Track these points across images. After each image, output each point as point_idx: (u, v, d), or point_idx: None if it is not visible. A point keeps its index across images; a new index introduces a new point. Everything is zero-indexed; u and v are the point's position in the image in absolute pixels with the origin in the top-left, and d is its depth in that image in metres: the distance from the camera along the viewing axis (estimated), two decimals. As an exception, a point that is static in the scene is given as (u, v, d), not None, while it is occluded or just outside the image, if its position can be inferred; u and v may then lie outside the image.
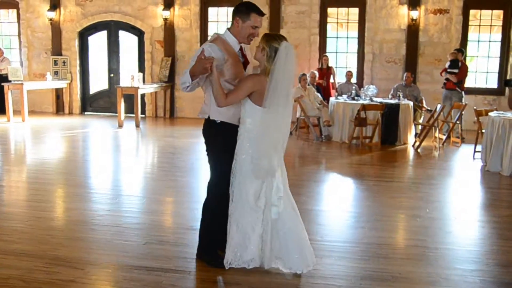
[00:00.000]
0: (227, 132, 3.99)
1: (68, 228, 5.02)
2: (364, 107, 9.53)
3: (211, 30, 13.73)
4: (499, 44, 12.55)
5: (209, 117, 3.99)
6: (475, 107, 9.47)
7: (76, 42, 14.25)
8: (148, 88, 12.71)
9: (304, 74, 11.09)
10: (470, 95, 11.85)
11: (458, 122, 10.11)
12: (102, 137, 10.92)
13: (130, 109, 12.83)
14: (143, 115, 13.77)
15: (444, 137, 10.20)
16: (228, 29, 4.04)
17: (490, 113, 8.48)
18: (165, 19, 13.57)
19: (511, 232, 5.30)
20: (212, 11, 13.68)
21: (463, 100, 10.81)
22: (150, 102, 14.07)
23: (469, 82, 12.11)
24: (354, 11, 13.08)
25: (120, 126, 11.89)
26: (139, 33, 14.00)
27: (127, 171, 7.80)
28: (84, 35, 14.34)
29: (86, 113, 14.57)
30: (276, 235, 3.90)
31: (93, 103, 14.68)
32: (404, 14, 12.59)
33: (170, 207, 5.89)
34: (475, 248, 4.80)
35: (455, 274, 4.14)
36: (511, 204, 6.33)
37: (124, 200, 6.11)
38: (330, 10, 13.23)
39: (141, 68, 14.00)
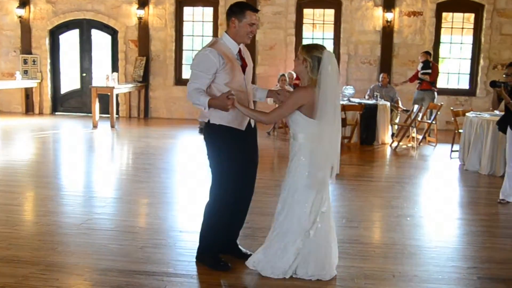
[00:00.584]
0: (227, 136, 3.95)
1: (59, 233, 4.88)
2: (344, 108, 9.60)
3: (187, 30, 13.63)
4: (470, 46, 12.85)
5: (209, 120, 3.94)
6: (452, 108, 9.67)
7: (47, 41, 13.89)
8: (123, 88, 12.52)
9: (283, 75, 11.11)
10: (442, 96, 12.07)
11: (434, 122, 10.30)
12: (78, 138, 10.69)
13: (103, 109, 12.55)
14: (117, 116, 13.52)
15: (420, 137, 10.38)
16: (226, 32, 4.00)
17: (467, 114, 8.67)
18: (140, 18, 13.38)
19: (500, 229, 5.46)
20: (187, 10, 13.56)
21: (435, 101, 11.03)
22: (124, 102, 13.85)
23: (441, 83, 12.39)
24: (330, 12, 13.17)
25: (95, 126, 11.65)
26: (113, 32, 13.76)
27: (109, 173, 7.64)
28: (55, 34, 13.99)
29: (56, 113, 14.22)
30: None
31: (64, 103, 14.34)
32: (379, 16, 12.76)
33: (159, 209, 5.79)
34: (468, 245, 4.89)
35: (453, 272, 4.21)
36: (494, 202, 6.46)
37: (111, 203, 5.98)
38: (306, 11, 13.30)
39: (115, 68, 13.76)
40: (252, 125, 4.12)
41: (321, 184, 3.81)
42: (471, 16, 12.73)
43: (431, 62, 11.33)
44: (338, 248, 4.07)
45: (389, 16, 12.60)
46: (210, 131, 3.99)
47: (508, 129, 6.24)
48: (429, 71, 11.21)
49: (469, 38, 12.86)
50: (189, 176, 7.45)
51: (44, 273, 3.90)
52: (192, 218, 5.12)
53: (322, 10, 13.26)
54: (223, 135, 3.95)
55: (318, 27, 13.50)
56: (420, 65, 11.40)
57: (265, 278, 3.90)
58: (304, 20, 13.33)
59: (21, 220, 5.17)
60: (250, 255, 4.22)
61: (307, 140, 3.78)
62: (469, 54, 12.90)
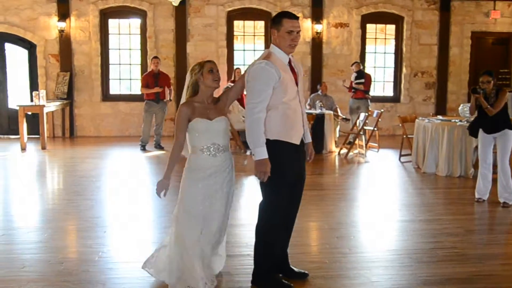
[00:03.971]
0: (283, 151, 3.80)
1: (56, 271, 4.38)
2: (297, 118, 9.68)
3: (113, 43, 13.00)
4: (393, 56, 13.62)
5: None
6: (399, 115, 10.15)
7: (-48, 57, 12.55)
8: (52, 106, 11.61)
9: (227, 88, 10.92)
10: (371, 103, 12.66)
11: (376, 128, 10.74)
12: (10, 162, 9.70)
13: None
14: (38, 136, 12.50)
15: (363, 143, 10.77)
16: (272, 43, 3.90)
17: (418, 119, 9.18)
18: (61, 31, 12.53)
19: (479, 226, 5.91)
20: (112, 22, 12.95)
21: (369, 108, 11.53)
22: (47, 121, 12.84)
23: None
24: (261, 24, 13.29)
25: (23, 149, 10.67)
26: (30, 46, 12.74)
27: (72, 198, 6.96)
28: (-38, 49, 12.68)
29: (-35, 136, 12.85)
30: None
31: (-26, 125, 13.01)
32: (308, 28, 13.09)
33: (139, 232, 5.43)
34: (462, 244, 5.15)
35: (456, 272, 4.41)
36: (465, 201, 6.88)
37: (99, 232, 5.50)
38: (237, 23, 13.29)
39: (34, 84, 12.74)
40: (305, 140, 4.02)
41: None
42: (393, 27, 13.50)
43: (364, 72, 11.86)
44: (361, 257, 4.08)
45: (318, 27, 12.97)
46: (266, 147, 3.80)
47: (480, 132, 6.67)
48: (363, 80, 11.72)
49: (391, 48, 13.62)
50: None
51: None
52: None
53: (252, 22, 13.32)
54: (279, 150, 3.79)
55: (240, 39, 13.53)
56: (354, 75, 11.86)
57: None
58: (235, 32, 13.31)
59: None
60: (307, 274, 4.10)
61: None
62: (392, 63, 13.66)
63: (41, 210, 6.38)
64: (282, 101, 3.73)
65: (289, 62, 3.90)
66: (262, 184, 3.88)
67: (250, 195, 7.43)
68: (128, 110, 13.01)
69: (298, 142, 3.88)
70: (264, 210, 3.90)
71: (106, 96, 13.09)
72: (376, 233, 5.49)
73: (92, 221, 5.82)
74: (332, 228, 5.60)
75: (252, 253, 4.00)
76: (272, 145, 3.77)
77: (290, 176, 3.83)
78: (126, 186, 7.67)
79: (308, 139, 4.11)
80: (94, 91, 12.89)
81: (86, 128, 13.04)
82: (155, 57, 11.11)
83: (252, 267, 4.00)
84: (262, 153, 3.65)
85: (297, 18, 3.84)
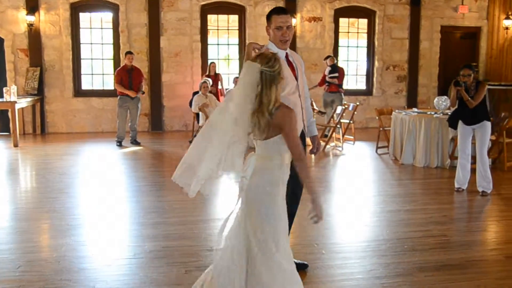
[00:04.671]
0: None
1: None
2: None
3: (84, 37, 12.75)
4: (365, 49, 13.81)
5: None
6: (376, 108, 10.31)
7: None
8: (24, 103, 11.32)
9: (205, 82, 10.92)
10: (344, 96, 12.82)
11: (351, 121, 10.89)
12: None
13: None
14: (7, 133, 12.20)
15: (340, 136, 10.91)
16: (269, 40, 3.96)
17: (395, 112, 9.36)
18: (30, 25, 12.21)
19: (463, 214, 6.16)
20: (83, 16, 12.69)
21: (343, 102, 11.68)
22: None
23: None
24: (234, 18, 13.26)
25: (-5, 146, 10.40)
26: (-3, 41, 12.39)
27: (56, 196, 6.81)
28: None
29: None
30: None
31: None
32: (281, 22, 13.12)
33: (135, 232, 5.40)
34: (452, 232, 5.32)
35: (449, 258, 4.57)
36: (445, 191, 7.09)
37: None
38: (210, 17, 13.23)
39: (2, 80, 12.39)
40: (311, 133, 4.13)
41: None
42: (365, 21, 13.68)
43: (337, 66, 12.01)
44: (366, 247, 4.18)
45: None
46: None
47: (460, 124, 6.85)
48: (337, 74, 11.86)
49: (364, 42, 13.81)
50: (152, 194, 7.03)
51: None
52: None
53: (226, 16, 13.28)
54: None
55: (223, 33, 13.49)
56: (328, 69, 11.98)
57: None
58: (209, 26, 13.24)
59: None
60: (307, 265, 4.16)
61: None
62: (364, 57, 13.85)
63: (25, 208, 6.23)
64: (281, 95, 3.74)
65: (286, 57, 3.93)
66: None
67: (228, 190, 7.45)
68: (101, 105, 12.80)
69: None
70: None
71: (78, 92, 12.84)
72: (366, 223, 5.60)
73: (80, 219, 5.74)
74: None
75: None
76: None
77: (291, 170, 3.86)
78: (108, 183, 7.58)
79: (314, 132, 4.16)
80: (66, 87, 12.63)
81: (57, 125, 12.77)
82: (129, 52, 10.97)
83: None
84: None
85: (285, 12, 3.86)
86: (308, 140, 4.30)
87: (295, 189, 4.06)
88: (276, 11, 3.86)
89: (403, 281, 4.05)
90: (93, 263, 4.42)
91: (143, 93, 11.18)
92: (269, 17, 3.88)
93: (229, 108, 3.04)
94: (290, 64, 3.95)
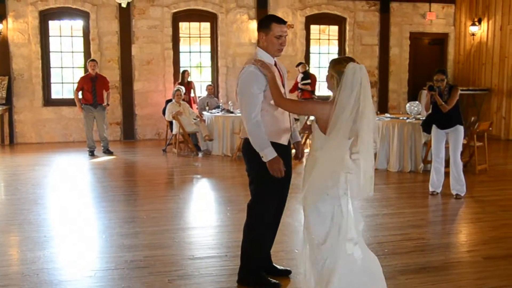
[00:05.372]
0: None
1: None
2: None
3: (54, 46, 12.55)
4: (336, 56, 13.93)
5: None
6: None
7: None
8: (-8, 112, 11.06)
9: (178, 90, 10.87)
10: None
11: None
12: None
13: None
14: (-26, 144, 11.90)
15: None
16: (258, 46, 3.97)
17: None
18: (-3, 33, 11.97)
19: (438, 217, 6.30)
20: (53, 24, 12.49)
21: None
22: (-16, 128, 12.24)
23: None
24: (206, 26, 13.25)
25: (-39, 158, 10.12)
26: (-37, 49, 12.08)
27: (30, 207, 6.64)
28: None
29: None
30: None
31: None
32: (253, 29, 13.16)
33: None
34: (428, 234, 5.41)
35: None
36: (420, 195, 7.22)
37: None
38: (182, 25, 13.19)
39: (-32, 90, 12.09)
40: (295, 139, 4.11)
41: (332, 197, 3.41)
42: (336, 28, 13.85)
43: (309, 73, 12.13)
44: None
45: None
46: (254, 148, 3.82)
47: (433, 128, 6.99)
48: (309, 81, 11.99)
49: (335, 49, 13.98)
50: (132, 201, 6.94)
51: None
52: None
53: (198, 23, 13.26)
54: None
55: (195, 40, 13.46)
56: (300, 76, 12.10)
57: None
58: (181, 34, 13.20)
59: None
60: (290, 271, 4.16)
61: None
62: (336, 63, 13.98)
63: (-3, 220, 6.08)
64: (270, 103, 3.76)
65: (275, 64, 3.96)
66: (252, 184, 3.92)
67: (206, 198, 7.43)
68: (71, 115, 12.58)
69: (286, 143, 3.95)
70: (254, 209, 3.94)
71: (48, 101, 12.61)
72: (345, 228, 5.63)
73: (57, 230, 5.63)
74: (302, 225, 5.69)
75: (227, 253, 4.03)
76: None
77: (280, 177, 3.87)
78: (82, 193, 7.46)
79: (298, 138, 4.19)
80: (35, 96, 12.39)
81: (27, 135, 12.50)
82: (92, 60, 10.81)
83: (232, 267, 4.04)
84: (271, 153, 3.70)
85: (285, 22, 3.89)
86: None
87: (282, 202, 4.09)
88: (277, 20, 3.84)
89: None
90: (73, 275, 4.33)
91: (108, 104, 10.95)
92: (267, 24, 3.83)
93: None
94: (278, 71, 3.98)
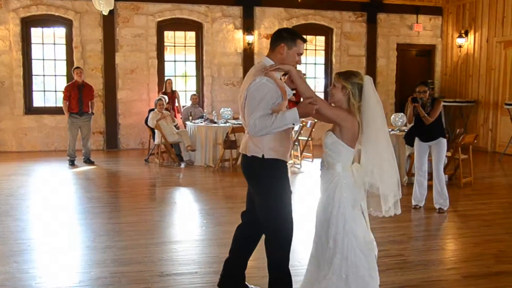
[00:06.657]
0: (282, 169, 3.74)
1: None
2: (233, 130, 9.59)
3: (36, 53, 12.35)
4: (323, 67, 13.89)
5: (263, 155, 3.63)
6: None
7: None
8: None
9: (160, 99, 10.70)
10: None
11: (310, 138, 10.85)
12: None
13: None
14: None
15: (298, 154, 10.84)
16: (268, 56, 3.75)
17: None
18: (-22, 40, 11.77)
19: (420, 232, 6.14)
20: (35, 31, 12.30)
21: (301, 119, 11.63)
22: (-37, 137, 11.99)
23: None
24: (191, 35, 13.13)
25: None
26: None
27: (1, 219, 6.47)
28: None
29: None
30: None
31: None
32: (239, 38, 13.06)
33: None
34: (410, 250, 5.26)
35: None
36: (402, 208, 7.00)
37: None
38: (167, 33, 13.06)
39: None
40: None
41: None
42: (323, 38, 13.77)
43: (295, 83, 12.01)
44: None
45: (249, 38, 12.98)
46: (266, 166, 3.66)
47: (416, 141, 6.87)
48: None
49: (321, 59, 13.88)
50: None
51: None
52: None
53: (183, 32, 13.13)
54: (280, 169, 3.71)
55: (180, 49, 13.32)
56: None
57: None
58: (166, 43, 13.06)
59: None
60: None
61: (344, 170, 3.59)
62: (322, 74, 13.92)
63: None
64: (281, 111, 3.59)
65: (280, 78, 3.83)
66: (269, 204, 3.73)
67: (184, 210, 7.25)
68: (53, 123, 12.38)
69: (288, 160, 3.81)
70: (275, 228, 3.77)
71: (30, 109, 12.40)
72: (323, 243, 5.46)
73: (25, 243, 5.41)
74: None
75: (197, 270, 3.85)
76: (275, 165, 3.68)
77: (289, 191, 3.78)
78: (57, 204, 7.24)
79: None
80: (16, 104, 12.17)
81: (7, 143, 12.27)
82: (78, 68, 10.62)
83: (200, 284, 3.85)
84: (293, 113, 3.50)
85: (306, 41, 3.88)
86: None
87: None
88: (302, 38, 3.75)
89: (361, 305, 3.92)
90: (33, 293, 4.13)
91: (93, 113, 10.78)
92: (294, 39, 3.69)
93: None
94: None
